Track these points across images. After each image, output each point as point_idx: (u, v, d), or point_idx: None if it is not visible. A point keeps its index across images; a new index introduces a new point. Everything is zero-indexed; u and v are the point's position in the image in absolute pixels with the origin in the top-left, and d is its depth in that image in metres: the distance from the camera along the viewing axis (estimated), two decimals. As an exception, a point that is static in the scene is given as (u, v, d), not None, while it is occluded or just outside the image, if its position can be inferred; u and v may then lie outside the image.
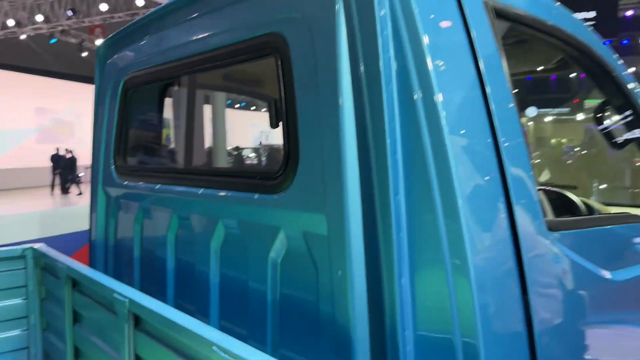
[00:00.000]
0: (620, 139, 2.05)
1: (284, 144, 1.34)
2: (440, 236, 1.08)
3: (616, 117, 1.93)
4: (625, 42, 30.76)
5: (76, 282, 1.82)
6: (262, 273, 1.41)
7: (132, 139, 2.20)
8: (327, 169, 1.19)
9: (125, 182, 2.10)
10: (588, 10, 15.57)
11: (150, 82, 2.07)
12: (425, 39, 1.12)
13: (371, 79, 1.14)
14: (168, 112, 2.22)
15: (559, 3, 1.63)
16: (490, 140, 1.17)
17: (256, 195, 1.41)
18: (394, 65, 1.13)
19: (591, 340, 1.35)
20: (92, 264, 2.33)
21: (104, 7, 18.16)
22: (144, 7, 19.02)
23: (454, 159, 1.08)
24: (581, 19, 1.75)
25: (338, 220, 1.16)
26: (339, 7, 1.18)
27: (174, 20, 1.80)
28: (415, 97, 1.11)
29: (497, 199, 1.15)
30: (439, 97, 1.10)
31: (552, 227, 1.24)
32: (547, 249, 1.22)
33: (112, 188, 2.20)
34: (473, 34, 1.21)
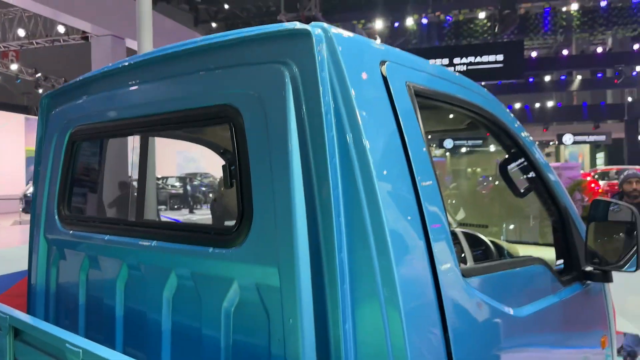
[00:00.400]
0: (522, 189, 2.39)
1: (238, 203, 1.49)
2: (377, 286, 1.27)
3: (517, 170, 2.26)
4: (531, 80, 33.52)
5: (19, 332, 1.83)
6: (215, 321, 1.54)
7: (77, 189, 2.24)
8: (279, 226, 1.36)
9: (71, 232, 2.15)
10: (497, 54, 17.10)
11: (99, 137, 2.15)
12: (360, 120, 1.34)
13: (317, 151, 1.33)
14: (118, 165, 2.29)
15: (463, 77, 1.93)
16: (410, 185, 1.40)
17: (211, 249, 1.54)
18: (336, 141, 1.33)
19: None
20: (30, 312, 2.31)
21: (21, 32, 17.44)
22: (65, 33, 18.44)
23: (388, 227, 1.29)
24: (490, 93, 2.07)
25: (290, 273, 1.32)
26: (288, 89, 1.37)
27: (128, 79, 1.91)
28: (354, 169, 1.32)
29: (420, 245, 1.37)
30: (374, 174, 1.32)
31: (465, 274, 1.48)
32: (461, 293, 1.45)
33: (55, 236, 2.23)
34: (398, 107, 1.46)
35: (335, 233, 1.29)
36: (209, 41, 1.59)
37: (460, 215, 4.30)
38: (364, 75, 1.43)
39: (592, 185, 16.19)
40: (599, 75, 32.45)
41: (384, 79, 1.47)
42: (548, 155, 54.22)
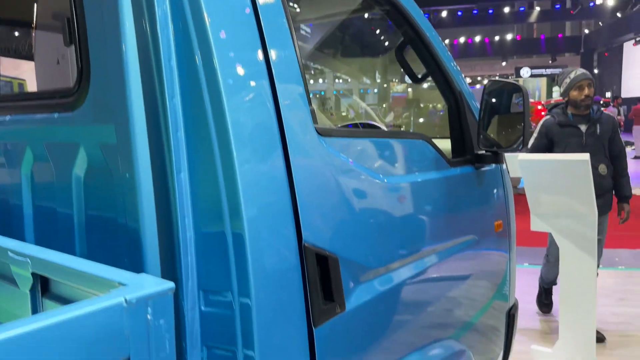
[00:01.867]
0: (419, 75, 2.34)
1: (77, 62, 1.38)
2: (211, 133, 1.22)
3: (414, 55, 2.20)
4: (490, 11, 33.25)
5: None
6: (69, 190, 1.47)
7: None
8: (113, 81, 1.27)
9: None
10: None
11: None
12: None
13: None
14: None
15: None
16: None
17: (56, 115, 1.45)
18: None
19: (357, 233, 1.55)
20: None
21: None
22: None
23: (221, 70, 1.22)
24: None
25: (124, 128, 1.25)
26: None
27: None
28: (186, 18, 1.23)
29: (265, 100, 1.30)
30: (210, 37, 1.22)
31: (322, 133, 1.42)
32: (313, 149, 1.39)
33: None
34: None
35: (165, 78, 1.22)
36: None
37: (389, 117, 4.30)
38: None
39: (543, 113, 16.50)
40: (557, 6, 32.46)
41: None
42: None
